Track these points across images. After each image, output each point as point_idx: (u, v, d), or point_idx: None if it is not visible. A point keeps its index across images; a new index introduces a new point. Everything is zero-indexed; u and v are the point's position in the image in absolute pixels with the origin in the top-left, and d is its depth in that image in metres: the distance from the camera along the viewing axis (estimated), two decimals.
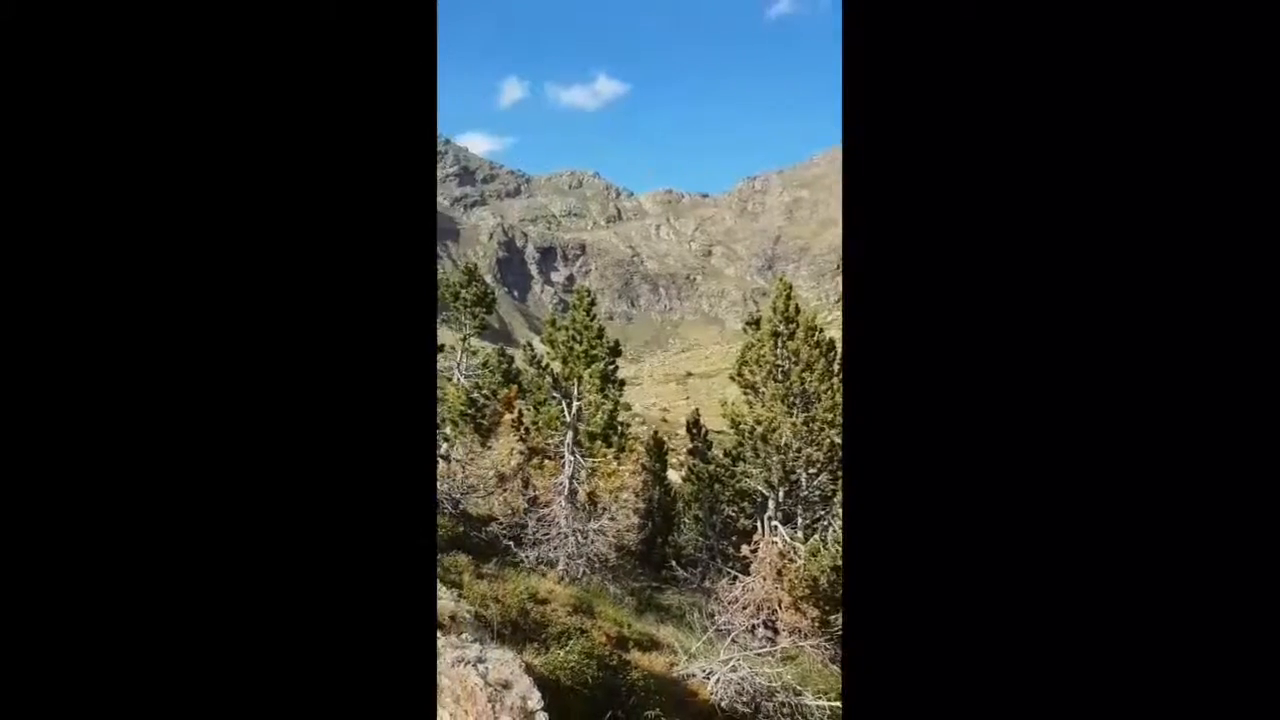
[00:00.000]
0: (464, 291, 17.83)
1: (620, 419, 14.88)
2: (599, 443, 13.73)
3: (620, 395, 14.54)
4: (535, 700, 4.41)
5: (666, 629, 10.09)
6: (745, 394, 13.75)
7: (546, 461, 13.42)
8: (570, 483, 12.96)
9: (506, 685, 4.46)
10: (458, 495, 13.65)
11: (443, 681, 4.26)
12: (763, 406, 13.09)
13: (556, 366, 14.63)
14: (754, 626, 10.29)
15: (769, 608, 10.48)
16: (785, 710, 7.46)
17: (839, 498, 12.52)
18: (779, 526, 12.85)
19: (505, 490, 13.34)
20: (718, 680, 7.54)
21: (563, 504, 12.56)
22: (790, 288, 14.19)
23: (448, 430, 15.67)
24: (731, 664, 7.64)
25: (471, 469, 14.29)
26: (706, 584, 13.18)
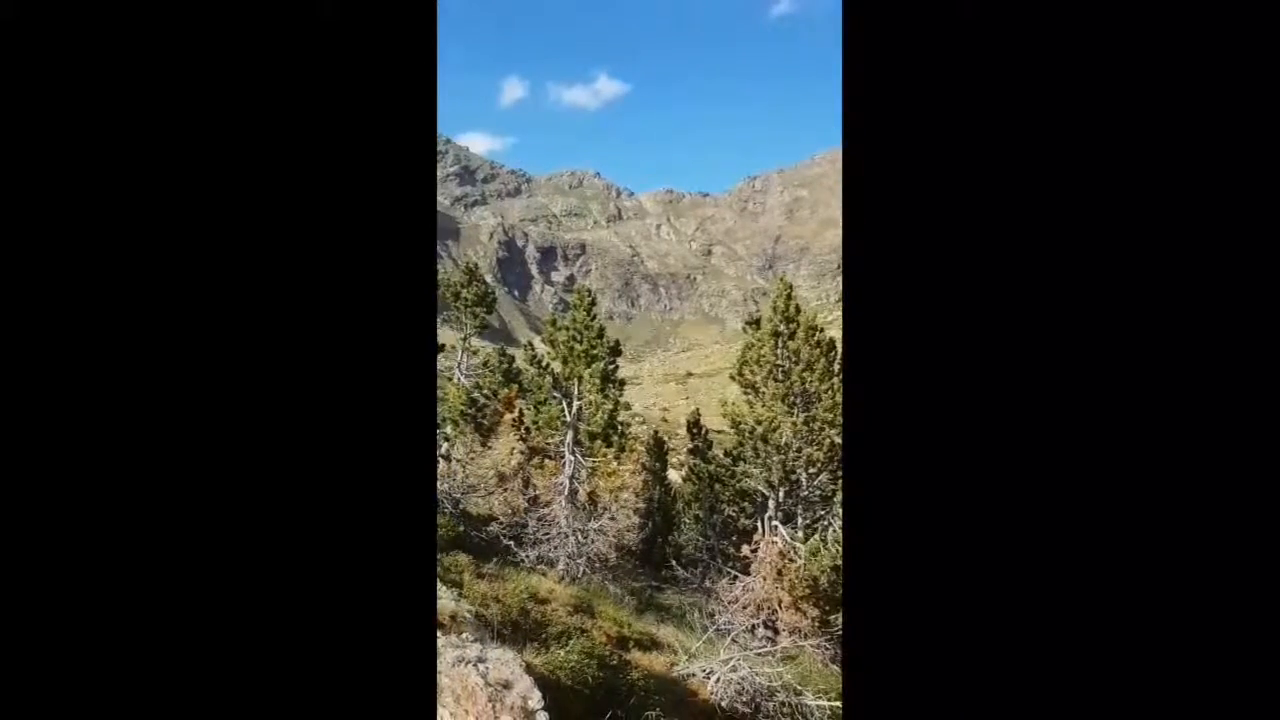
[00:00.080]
0: (464, 291, 17.83)
1: (620, 419, 14.89)
2: (599, 442, 13.74)
3: (620, 395, 14.55)
4: (535, 700, 4.42)
5: (667, 629, 10.09)
6: (745, 394, 13.76)
7: (547, 461, 13.42)
8: (570, 482, 12.97)
9: (507, 685, 4.46)
10: (458, 495, 13.65)
11: (443, 681, 4.26)
12: (763, 406, 13.09)
13: (557, 366, 14.64)
14: (754, 626, 10.29)
15: (769, 607, 10.48)
16: (785, 710, 7.46)
17: (839, 498, 12.52)
18: (779, 526, 12.85)
19: (505, 490, 13.34)
20: (718, 680, 7.54)
21: (563, 504, 12.56)
22: (790, 287, 14.19)
23: (448, 430, 15.67)
24: (732, 664, 7.64)
25: (472, 469, 14.29)
26: (707, 584, 13.18)
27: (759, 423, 12.86)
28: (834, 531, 12.03)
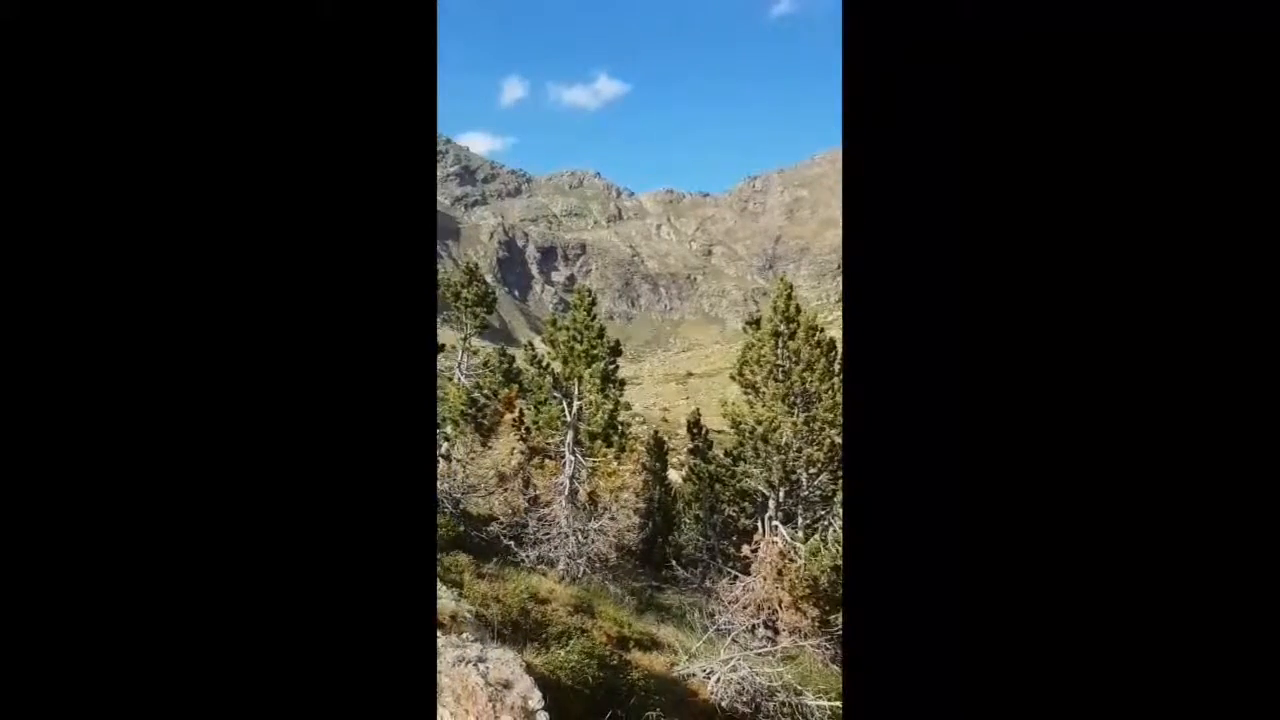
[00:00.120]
0: (465, 291, 17.83)
1: (621, 419, 14.89)
2: (599, 442, 13.74)
3: (621, 395, 14.54)
4: (536, 700, 4.42)
5: (667, 629, 10.09)
6: (746, 394, 13.76)
7: (547, 461, 13.42)
8: (571, 482, 12.97)
9: (507, 685, 4.46)
10: (458, 495, 13.65)
11: (443, 681, 4.26)
12: (763, 406, 13.09)
13: (557, 366, 14.64)
14: (754, 626, 10.28)
15: (769, 607, 10.47)
16: (785, 710, 7.46)
17: (839, 498, 12.52)
18: (779, 526, 12.85)
19: (506, 490, 13.34)
20: (718, 680, 7.54)
21: (563, 504, 12.57)
22: (791, 287, 14.19)
23: (448, 430, 15.67)
24: (732, 664, 7.64)
25: (472, 468, 14.29)
26: (707, 584, 13.18)
27: (759, 423, 12.86)
28: (834, 531, 12.03)
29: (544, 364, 14.93)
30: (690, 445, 17.99)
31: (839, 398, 12.23)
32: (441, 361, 16.86)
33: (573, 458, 13.16)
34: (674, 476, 19.16)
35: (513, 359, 18.24)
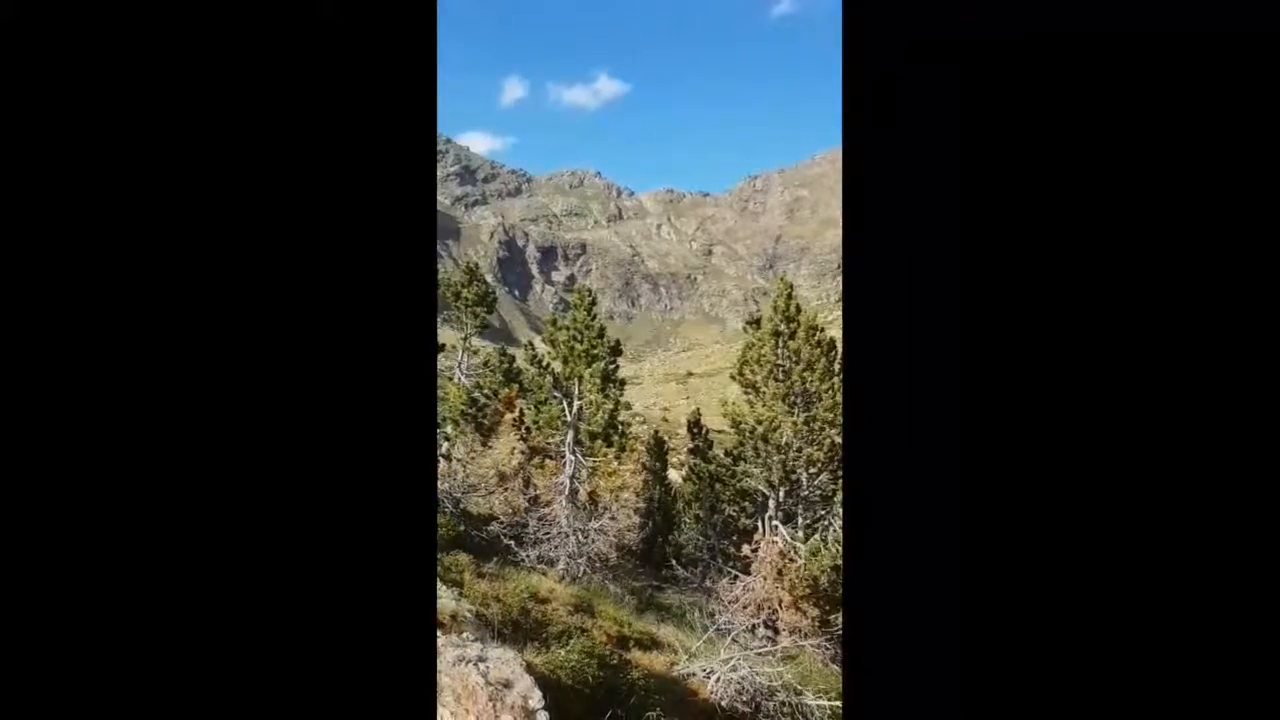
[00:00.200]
0: (465, 291, 17.84)
1: (621, 418, 14.89)
2: (600, 442, 13.74)
3: (621, 395, 14.54)
4: (536, 699, 4.42)
5: (667, 628, 10.09)
6: (746, 393, 13.76)
7: (547, 461, 13.43)
8: (571, 482, 12.97)
9: (507, 684, 4.46)
10: (458, 494, 13.66)
11: (443, 680, 4.26)
12: (763, 406, 13.10)
13: (557, 366, 14.64)
14: (754, 626, 10.29)
15: (769, 607, 10.48)
16: (785, 710, 7.46)
17: (839, 497, 12.52)
18: (779, 526, 12.85)
19: (506, 489, 13.35)
20: (718, 680, 7.54)
21: (563, 503, 12.57)
22: (791, 287, 14.19)
23: (448, 429, 15.67)
24: (732, 663, 7.64)
25: (472, 468, 14.30)
26: (707, 583, 13.18)
27: (759, 422, 12.86)
28: (834, 531, 12.03)
29: (544, 364, 14.93)
30: (690, 445, 17.99)
31: (839, 397, 12.23)
32: (442, 361, 16.87)
33: (573, 457, 13.17)
34: (674, 476, 19.16)
35: (513, 359, 18.25)
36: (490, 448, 14.40)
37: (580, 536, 12.13)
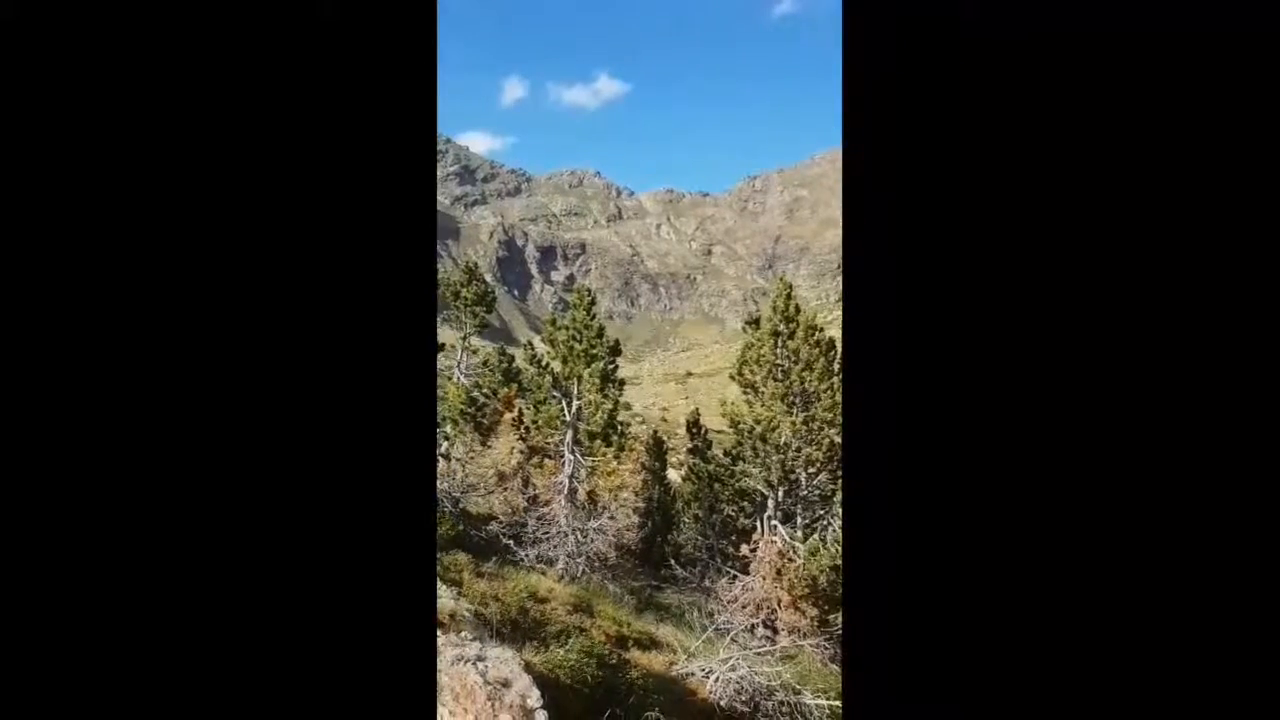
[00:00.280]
0: (464, 290, 17.83)
1: (620, 418, 14.90)
2: (599, 442, 13.75)
3: (620, 394, 14.55)
4: (535, 699, 4.42)
5: (666, 628, 10.10)
6: (745, 393, 13.77)
7: (546, 460, 13.44)
8: (570, 482, 12.98)
9: (506, 683, 4.46)
10: (458, 494, 13.67)
11: (442, 680, 4.26)
12: (762, 406, 13.10)
13: (556, 366, 14.65)
14: (753, 626, 10.30)
15: (768, 607, 10.49)
16: (784, 709, 7.47)
17: (839, 497, 12.53)
18: (778, 526, 12.86)
19: (505, 489, 13.36)
20: (717, 679, 7.54)
21: (562, 503, 12.58)
22: (790, 287, 14.20)
23: (448, 429, 15.68)
24: (731, 663, 7.65)
25: (471, 468, 14.31)
26: (706, 583, 13.19)
27: (758, 422, 12.87)
28: (833, 531, 12.04)
29: (543, 363, 14.93)
30: (689, 445, 18.00)
31: (838, 397, 12.24)
32: (441, 361, 16.87)
33: (572, 457, 13.17)
34: (673, 476, 19.16)
35: (512, 358, 18.25)
36: (489, 447, 14.40)
37: (579, 536, 12.13)
